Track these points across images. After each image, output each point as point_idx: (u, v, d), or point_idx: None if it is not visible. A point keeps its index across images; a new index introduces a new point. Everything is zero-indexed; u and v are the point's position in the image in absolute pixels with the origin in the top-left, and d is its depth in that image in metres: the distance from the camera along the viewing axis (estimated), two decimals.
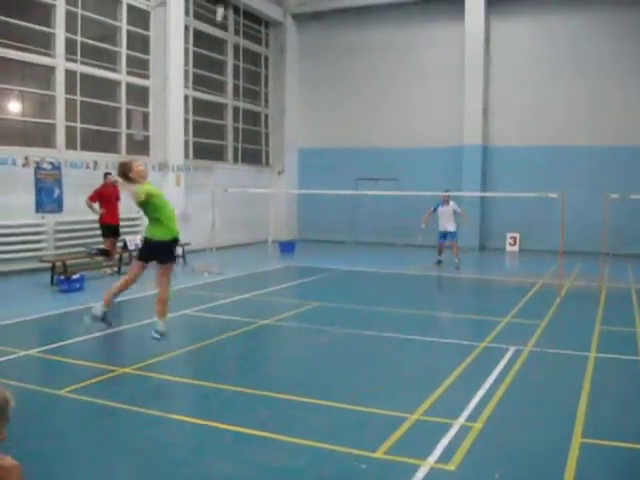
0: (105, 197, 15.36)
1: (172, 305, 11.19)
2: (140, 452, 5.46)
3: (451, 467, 5.12)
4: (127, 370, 7.67)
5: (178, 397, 7.05)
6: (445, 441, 5.61)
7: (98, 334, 9.84)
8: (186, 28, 20.56)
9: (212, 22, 22.56)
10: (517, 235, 23.08)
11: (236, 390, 7.02)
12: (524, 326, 10.43)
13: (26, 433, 5.79)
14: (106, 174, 15.70)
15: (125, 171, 8.27)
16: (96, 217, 15.42)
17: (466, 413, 6.30)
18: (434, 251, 18.42)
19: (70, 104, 16.88)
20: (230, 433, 5.80)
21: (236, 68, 24.03)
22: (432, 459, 5.24)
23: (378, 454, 5.34)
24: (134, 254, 16.29)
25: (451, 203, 18.05)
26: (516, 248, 23.04)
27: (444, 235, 18.04)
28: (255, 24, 25.20)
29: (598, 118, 21.94)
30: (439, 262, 18.13)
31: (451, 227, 17.95)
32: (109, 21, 18.21)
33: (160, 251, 8.41)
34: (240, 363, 8.54)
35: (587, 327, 10.35)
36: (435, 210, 18.11)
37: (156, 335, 8.28)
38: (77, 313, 11.12)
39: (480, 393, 6.91)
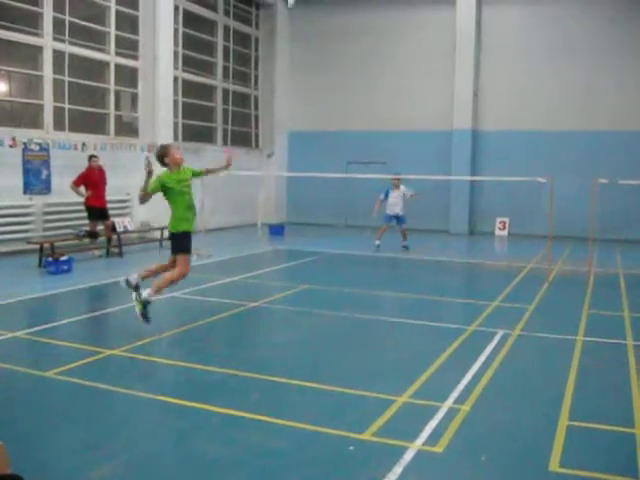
0: (91, 180, 15.30)
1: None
2: (128, 434, 5.45)
3: (439, 449, 5.14)
4: (115, 352, 7.64)
5: (166, 379, 7.04)
6: (433, 423, 5.63)
7: (85, 316, 9.84)
8: (176, 8, 20.38)
9: (202, 2, 22.38)
10: (506, 220, 23.12)
11: (225, 372, 7.01)
12: (512, 310, 10.46)
13: (13, 415, 5.78)
14: (91, 157, 15.62)
15: (162, 154, 8.53)
16: (82, 199, 15.37)
17: (454, 396, 6.32)
18: (421, 235, 18.46)
19: (58, 85, 16.74)
20: (219, 415, 5.80)
21: (226, 49, 23.88)
22: (420, 441, 5.25)
23: (366, 436, 5.35)
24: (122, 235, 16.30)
25: (401, 187, 17.91)
26: (505, 232, 23.08)
27: (391, 218, 17.95)
28: (246, 5, 25.00)
29: (589, 103, 21.95)
30: (378, 246, 17.76)
31: (400, 211, 17.88)
32: (97, 1, 18.01)
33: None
34: (229, 345, 8.52)
35: (575, 311, 10.39)
36: (387, 197, 17.93)
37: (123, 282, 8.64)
38: (65, 295, 11.12)
39: (468, 376, 6.93)
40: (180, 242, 8.52)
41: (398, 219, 18.03)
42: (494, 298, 11.35)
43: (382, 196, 18.08)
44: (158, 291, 8.48)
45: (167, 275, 8.51)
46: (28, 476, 3.61)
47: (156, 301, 10.56)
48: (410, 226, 20.05)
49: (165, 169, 8.62)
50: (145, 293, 8.28)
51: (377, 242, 17.81)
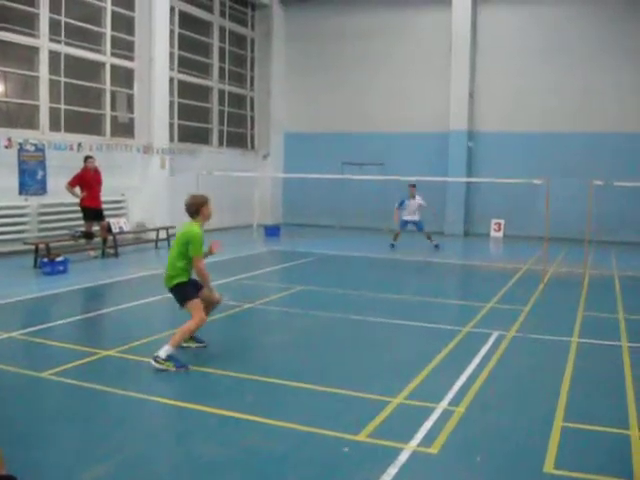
0: (86, 181, 15.29)
1: (156, 288, 11.21)
2: (123, 435, 5.44)
3: (433, 451, 5.15)
4: (110, 353, 7.64)
5: (162, 380, 7.03)
6: (428, 425, 5.64)
7: (81, 317, 9.83)
8: (171, 9, 20.37)
9: (198, 4, 22.39)
10: (502, 221, 23.14)
11: (220, 373, 7.01)
12: (507, 311, 10.48)
13: (8, 416, 5.77)
14: (87, 158, 15.60)
15: (201, 204, 7.54)
16: (78, 200, 15.36)
17: (449, 397, 6.33)
18: (416, 237, 18.55)
19: (54, 85, 16.72)
20: (214, 416, 5.80)
21: (222, 51, 23.88)
22: (414, 443, 5.26)
23: (361, 437, 5.36)
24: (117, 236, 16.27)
25: (417, 197, 18.50)
26: (500, 234, 23.11)
27: (407, 224, 18.64)
28: (241, 6, 25.02)
29: (584, 105, 21.98)
30: (392, 246, 18.53)
31: (417, 217, 18.58)
32: (93, 1, 17.99)
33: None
34: (224, 346, 8.51)
35: (570, 313, 10.41)
36: (401, 205, 18.57)
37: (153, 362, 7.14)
38: (60, 296, 11.10)
39: (463, 377, 6.94)
40: (183, 292, 7.56)
41: (416, 225, 18.66)
42: (489, 299, 11.37)
43: (397, 205, 18.65)
44: (177, 344, 7.37)
45: (187, 329, 7.45)
46: (22, 476, 3.62)
47: (153, 302, 10.61)
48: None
49: (192, 220, 7.55)
50: (163, 352, 7.13)
51: (393, 242, 18.58)
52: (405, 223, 18.67)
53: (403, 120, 24.16)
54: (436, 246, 18.46)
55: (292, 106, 26.13)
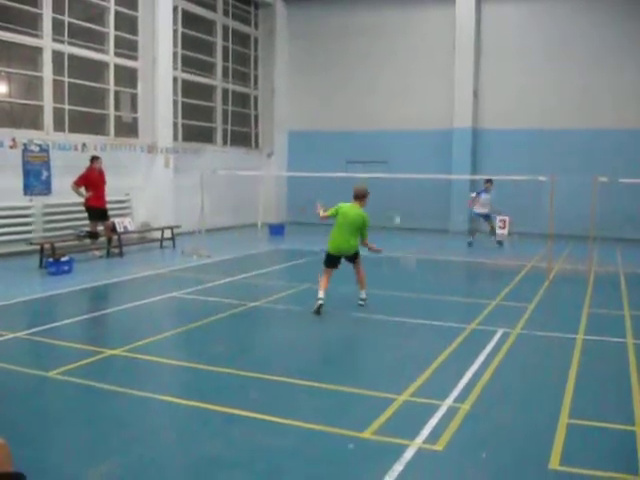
0: (92, 181, 15.32)
1: (161, 287, 11.26)
2: (130, 434, 5.46)
3: (439, 447, 5.15)
4: (116, 352, 7.66)
5: (167, 379, 7.06)
6: (433, 422, 5.64)
7: (86, 316, 9.86)
8: (175, 9, 20.37)
9: (201, 3, 22.39)
10: (506, 218, 23.05)
11: (225, 372, 7.02)
12: (513, 309, 10.47)
13: (14, 415, 5.79)
14: (95, 158, 15.63)
15: (365, 195, 10.62)
16: (82, 200, 15.39)
17: (454, 394, 6.33)
18: (421, 235, 18.52)
19: (58, 85, 16.73)
20: (220, 414, 5.81)
21: (225, 50, 23.87)
22: (420, 439, 5.27)
23: (366, 434, 5.37)
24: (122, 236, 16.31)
25: (492, 193, 19.70)
26: (505, 231, 23.02)
27: (479, 216, 19.92)
28: (244, 5, 25.00)
29: (588, 102, 21.93)
30: (500, 243, 19.71)
31: (489, 211, 19.76)
32: (97, 1, 17.99)
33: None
34: (229, 345, 8.53)
35: (575, 310, 10.40)
36: (478, 195, 19.59)
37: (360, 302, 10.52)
38: (66, 295, 11.13)
39: (468, 375, 6.95)
40: (359, 253, 10.72)
41: (486, 217, 19.71)
42: (494, 297, 11.37)
43: (474, 194, 19.70)
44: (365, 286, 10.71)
45: (363, 274, 10.75)
46: (28, 475, 3.62)
47: (158, 302, 10.65)
48: (410, 225, 20.22)
49: (356, 203, 10.64)
50: (364, 294, 10.62)
51: (496, 238, 19.61)
52: (478, 216, 19.74)
53: (407, 118, 24.14)
54: (499, 242, 19.43)
55: (296, 104, 26.10)
